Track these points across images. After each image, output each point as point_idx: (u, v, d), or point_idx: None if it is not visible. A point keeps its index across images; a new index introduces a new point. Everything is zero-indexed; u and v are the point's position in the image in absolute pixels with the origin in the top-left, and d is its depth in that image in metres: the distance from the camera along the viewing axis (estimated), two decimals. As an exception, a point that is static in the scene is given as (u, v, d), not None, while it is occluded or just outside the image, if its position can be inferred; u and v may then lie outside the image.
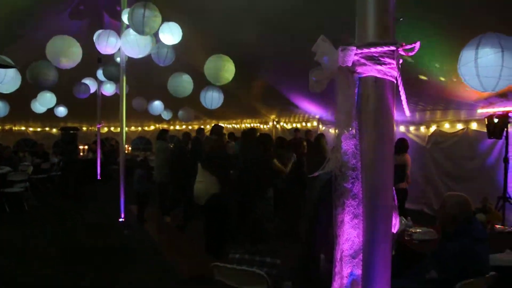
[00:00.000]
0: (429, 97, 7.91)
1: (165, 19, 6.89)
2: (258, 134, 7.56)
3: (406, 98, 1.69)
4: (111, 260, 6.14)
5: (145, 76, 11.38)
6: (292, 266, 3.67)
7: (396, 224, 1.69)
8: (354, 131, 1.59)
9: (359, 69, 1.58)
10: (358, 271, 1.63)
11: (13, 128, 16.74)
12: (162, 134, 9.25)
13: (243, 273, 3.43)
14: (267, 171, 6.29)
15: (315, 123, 12.64)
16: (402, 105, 1.71)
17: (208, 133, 9.89)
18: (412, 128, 9.24)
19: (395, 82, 1.60)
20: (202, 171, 6.31)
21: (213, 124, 9.08)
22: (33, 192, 10.62)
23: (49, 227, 8.07)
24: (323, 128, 12.14)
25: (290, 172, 6.93)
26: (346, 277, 1.65)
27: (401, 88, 1.62)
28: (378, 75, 1.55)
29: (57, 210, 9.68)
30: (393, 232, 1.66)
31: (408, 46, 1.57)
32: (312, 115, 12.74)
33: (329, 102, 10.71)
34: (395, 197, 1.68)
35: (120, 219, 8.03)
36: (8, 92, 7.92)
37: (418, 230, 4.71)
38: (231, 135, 10.46)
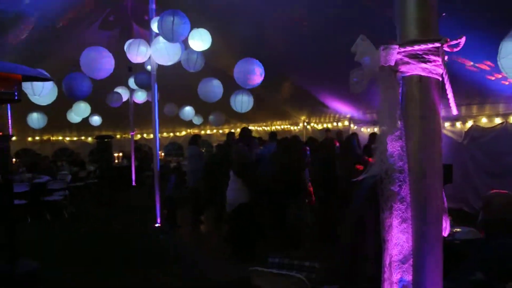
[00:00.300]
0: (465, 91, 7.67)
1: (194, 25, 6.94)
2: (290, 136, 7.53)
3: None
4: (147, 265, 6.22)
5: (175, 82, 11.52)
6: (335, 270, 3.61)
7: (446, 227, 1.62)
8: (399, 132, 1.53)
9: (403, 68, 1.52)
10: (409, 277, 1.57)
11: (51, 138, 17.26)
12: (194, 139, 9.33)
13: (282, 277, 3.40)
14: (301, 175, 6.25)
15: (346, 123, 12.47)
16: (448, 102, 1.64)
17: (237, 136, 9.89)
18: (447, 124, 8.98)
19: (441, 79, 1.53)
20: (234, 178, 6.36)
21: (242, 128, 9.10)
22: (71, 200, 10.91)
23: (88, 234, 8.27)
24: (355, 127, 11.96)
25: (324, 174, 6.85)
26: (396, 283, 1.59)
27: (447, 86, 1.55)
28: (423, 74, 1.49)
29: (95, 217, 9.91)
30: (444, 236, 1.60)
31: (453, 42, 1.50)
32: (343, 115, 12.58)
33: (360, 101, 10.55)
34: (445, 199, 1.61)
35: (156, 225, 8.13)
36: (45, 104, 8.17)
37: (458, 230, 4.56)
38: (259, 139, 10.42)
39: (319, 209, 7.02)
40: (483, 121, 8.21)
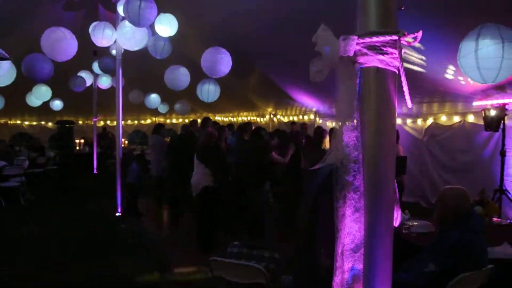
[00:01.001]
0: (426, 89, 7.88)
1: (161, 10, 6.82)
2: (254, 127, 7.54)
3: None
4: (108, 254, 6.12)
5: (141, 69, 11.31)
6: (291, 260, 3.65)
7: (397, 218, 1.67)
8: (355, 122, 1.56)
9: (361, 59, 1.54)
10: (360, 266, 1.60)
11: (9, 122, 16.64)
12: (158, 128, 9.21)
13: (241, 268, 3.41)
14: (264, 163, 6.27)
15: (312, 116, 12.61)
16: (404, 96, 1.68)
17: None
18: (409, 121, 9.23)
19: (397, 72, 1.56)
20: (197, 163, 6.30)
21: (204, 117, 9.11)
22: (29, 186, 10.57)
23: (46, 222, 8.04)
24: (320, 121, 12.10)
25: (289, 164, 6.91)
26: (348, 271, 1.63)
27: (403, 79, 1.58)
28: (380, 65, 1.52)
29: (54, 204, 9.64)
30: (394, 226, 1.64)
31: (411, 36, 1.53)
32: (309, 108, 12.70)
33: (326, 95, 10.67)
34: (397, 190, 1.65)
35: (117, 213, 8.00)
36: (3, 85, 7.85)
37: (415, 223, 4.70)
38: (230, 126, 10.41)
39: (283, 198, 7.09)
40: (443, 119, 8.47)
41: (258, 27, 8.08)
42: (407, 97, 1.63)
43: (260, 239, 3.61)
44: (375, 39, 1.50)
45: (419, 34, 1.53)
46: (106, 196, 9.03)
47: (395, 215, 1.65)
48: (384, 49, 1.50)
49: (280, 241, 5.42)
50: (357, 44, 1.53)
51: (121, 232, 7.32)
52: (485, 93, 7.04)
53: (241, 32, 8.52)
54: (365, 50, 1.52)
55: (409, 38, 1.53)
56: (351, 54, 1.54)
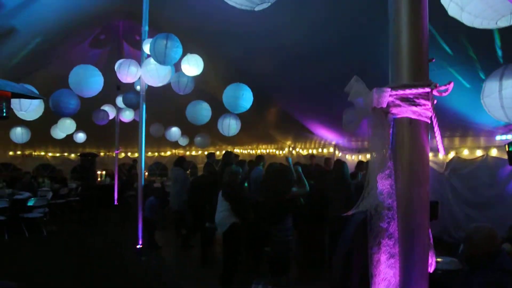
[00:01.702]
0: (447, 123, 7.88)
1: (185, 49, 7.03)
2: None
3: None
4: (127, 285, 6.12)
5: (162, 102, 11.55)
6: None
7: (432, 264, 1.68)
8: (389, 171, 1.60)
9: (394, 110, 1.60)
10: (395, 312, 1.61)
11: (33, 153, 17.01)
12: (180, 161, 9.31)
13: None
14: (284, 200, 6.27)
15: (331, 149, 12.61)
16: (436, 144, 1.72)
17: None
18: (430, 155, 9.15)
19: (429, 122, 1.61)
20: (221, 200, 6.29)
21: (224, 152, 9.14)
22: (51, 217, 10.73)
23: (67, 253, 8.12)
24: (340, 154, 12.09)
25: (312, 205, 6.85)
26: (383, 317, 1.63)
27: (436, 129, 1.63)
28: (413, 116, 1.57)
29: (75, 235, 9.74)
30: (429, 272, 1.65)
31: (442, 87, 1.58)
32: (328, 141, 12.72)
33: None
34: (431, 236, 1.67)
35: (138, 246, 8.04)
36: (31, 119, 8.11)
37: (439, 260, 4.62)
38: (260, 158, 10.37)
39: (307, 235, 7.01)
40: (465, 153, 8.40)
41: (275, 63, 8.27)
42: (440, 146, 1.67)
43: (282, 277, 3.61)
44: (408, 91, 1.56)
45: (450, 85, 1.58)
46: (126, 228, 9.10)
47: (429, 261, 1.66)
48: (417, 100, 1.55)
49: (302, 279, 5.38)
50: (390, 95, 1.59)
51: (141, 264, 7.34)
52: (508, 128, 7.01)
53: (259, 68, 8.71)
54: (398, 102, 1.57)
55: (440, 90, 1.58)
56: (384, 105, 1.60)
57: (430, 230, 1.66)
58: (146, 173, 16.64)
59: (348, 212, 1.74)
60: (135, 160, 16.51)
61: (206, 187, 7.83)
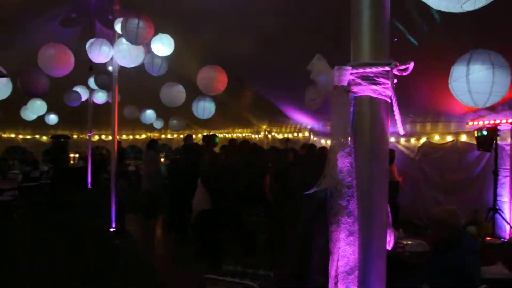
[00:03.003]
0: (420, 109, 8.01)
1: (157, 29, 6.90)
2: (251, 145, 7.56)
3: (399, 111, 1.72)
4: (101, 270, 6.08)
5: (136, 85, 11.36)
6: (286, 280, 3.67)
7: (391, 241, 1.71)
8: (349, 149, 1.61)
9: (354, 89, 1.60)
10: (353, 288, 1.64)
11: (2, 135, 16.56)
12: (152, 143, 9.22)
13: (236, 285, 3.43)
14: (259, 185, 6.31)
15: (306, 134, 12.69)
16: (396, 123, 1.74)
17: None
18: (402, 140, 9.33)
19: (390, 101, 1.62)
20: (200, 186, 6.33)
21: (204, 134, 9.10)
22: (22, 200, 10.51)
23: (39, 236, 7.99)
24: (315, 138, 12.19)
25: (279, 183, 6.93)
26: (341, 294, 1.66)
27: (395, 108, 1.64)
28: (373, 95, 1.58)
29: (47, 219, 9.58)
30: (388, 249, 1.68)
31: (403, 67, 1.59)
32: (303, 126, 12.79)
33: (320, 113, 10.78)
34: (390, 214, 1.70)
35: (111, 229, 7.96)
36: (-2, 100, 7.86)
37: (409, 242, 4.74)
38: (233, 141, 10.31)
39: (275, 217, 7.09)
40: (436, 138, 8.58)
41: (251, 45, 8.21)
42: (399, 125, 1.69)
43: (253, 257, 3.65)
44: (368, 70, 1.57)
45: (411, 65, 1.59)
46: (100, 211, 8.99)
47: (388, 238, 1.69)
48: (377, 79, 1.56)
49: (273, 260, 5.44)
50: (351, 74, 1.59)
51: (114, 248, 7.29)
52: (478, 114, 7.17)
53: (235, 51, 8.63)
54: (358, 80, 1.58)
55: (401, 69, 1.59)
56: (345, 83, 1.60)
57: (389, 208, 1.69)
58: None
59: (309, 190, 1.74)
60: (97, 147, 16.30)
61: (186, 172, 7.72)
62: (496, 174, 6.96)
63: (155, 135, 18.38)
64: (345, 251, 1.64)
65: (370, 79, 1.56)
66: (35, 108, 10.86)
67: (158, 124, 14.54)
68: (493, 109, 6.76)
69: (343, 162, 1.61)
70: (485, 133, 6.80)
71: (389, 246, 1.71)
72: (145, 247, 7.66)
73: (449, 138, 8.31)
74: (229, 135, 16.74)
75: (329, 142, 10.94)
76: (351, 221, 1.63)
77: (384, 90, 1.57)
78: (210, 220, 6.18)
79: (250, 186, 6.26)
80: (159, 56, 7.40)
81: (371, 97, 1.59)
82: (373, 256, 1.64)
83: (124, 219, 8.54)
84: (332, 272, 1.70)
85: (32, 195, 12.03)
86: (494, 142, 6.81)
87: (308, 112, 11.12)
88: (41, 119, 12.19)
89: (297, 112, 11.67)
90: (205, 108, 7.98)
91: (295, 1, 6.05)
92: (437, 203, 8.28)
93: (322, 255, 1.77)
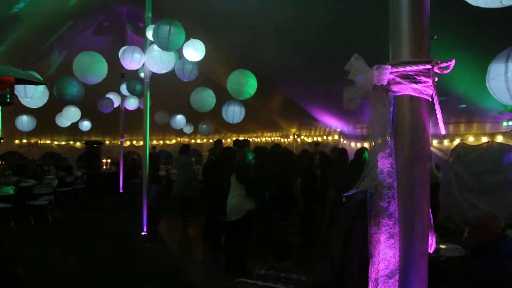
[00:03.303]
0: (453, 110, 7.81)
1: (188, 35, 6.99)
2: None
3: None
4: (134, 274, 6.17)
5: (167, 90, 11.54)
6: (321, 283, 3.63)
7: (432, 244, 1.66)
8: (389, 150, 1.58)
9: (394, 88, 1.57)
10: (394, 292, 1.61)
11: (39, 141, 17.08)
12: (185, 148, 9.31)
13: (268, 289, 3.41)
14: (290, 189, 6.25)
15: (336, 137, 12.58)
16: (437, 122, 1.70)
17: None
18: (435, 142, 9.12)
19: (431, 100, 1.58)
20: (236, 185, 6.15)
21: (234, 139, 9.11)
22: (57, 205, 10.80)
23: (72, 239, 8.18)
24: (344, 141, 12.07)
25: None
26: (382, 297, 1.63)
27: (437, 107, 1.60)
28: (414, 94, 1.54)
29: (80, 222, 9.82)
30: (429, 252, 1.64)
31: (444, 64, 1.55)
32: (333, 129, 12.69)
33: (350, 116, 10.67)
34: (431, 216, 1.66)
35: (143, 233, 8.08)
36: (36, 107, 8.12)
37: (443, 246, 4.62)
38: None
39: (308, 221, 7.05)
40: (470, 139, 8.35)
41: (280, 49, 8.21)
42: (441, 124, 1.65)
43: (287, 261, 3.61)
44: (408, 68, 1.54)
45: (452, 62, 1.55)
46: (131, 216, 9.15)
47: (429, 241, 1.65)
48: (418, 78, 1.53)
49: (304, 264, 5.39)
50: (391, 73, 1.56)
51: (146, 251, 7.39)
52: (514, 114, 6.95)
53: (264, 54, 8.65)
54: (398, 79, 1.55)
55: (442, 67, 1.55)
56: (385, 83, 1.57)
57: (430, 210, 1.65)
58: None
59: (349, 192, 1.72)
60: (153, 147, 16.55)
61: (219, 173, 7.66)
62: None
63: (185, 140, 18.59)
64: (385, 254, 1.61)
65: (411, 78, 1.53)
66: (69, 115, 11.16)
67: (188, 129, 14.70)
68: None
69: (383, 163, 1.58)
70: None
71: (430, 249, 1.67)
72: (177, 251, 7.72)
73: (484, 139, 8.06)
74: (258, 139, 16.77)
75: (359, 145, 10.84)
76: (392, 223, 1.60)
77: (425, 89, 1.54)
78: (255, 221, 6.04)
79: (282, 190, 6.20)
80: (190, 61, 7.49)
81: (411, 96, 1.55)
82: (414, 259, 1.60)
83: (158, 223, 8.65)
84: (372, 276, 1.67)
85: (66, 199, 12.36)
86: (533, 143, 6.58)
87: (337, 114, 11.04)
88: (75, 125, 12.52)
89: (326, 115, 11.59)
90: (235, 113, 8.01)
91: (329, 4, 6.00)
92: (472, 206, 8.04)
93: (362, 259, 1.74)
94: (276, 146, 8.61)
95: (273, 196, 6.28)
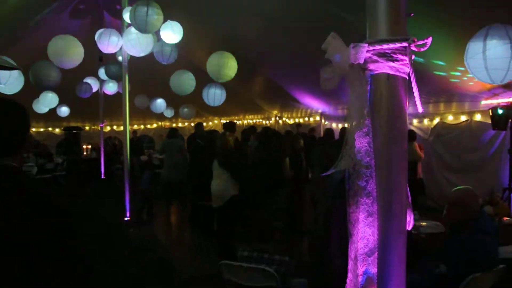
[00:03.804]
0: (432, 89, 7.88)
1: (166, 17, 6.86)
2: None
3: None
4: (115, 258, 6.13)
5: (146, 74, 11.35)
6: (304, 264, 3.67)
7: (410, 221, 1.68)
8: (367, 128, 1.58)
9: (371, 66, 1.56)
10: (373, 269, 1.62)
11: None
12: (174, 132, 9.26)
13: (252, 271, 3.43)
14: (280, 171, 6.23)
15: (317, 118, 12.62)
16: (414, 100, 1.70)
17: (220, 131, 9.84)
18: (415, 121, 9.20)
19: (407, 78, 1.58)
20: (219, 169, 6.10)
21: (223, 122, 9.06)
22: (37, 192, 10.63)
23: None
24: (326, 122, 12.11)
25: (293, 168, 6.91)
26: (361, 275, 1.64)
27: (414, 85, 1.60)
28: (391, 72, 1.54)
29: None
30: (407, 229, 1.66)
31: (420, 42, 1.54)
32: (314, 110, 12.72)
33: (331, 97, 10.69)
34: (409, 194, 1.67)
35: (126, 218, 8.04)
36: (11, 93, 7.90)
37: (424, 224, 4.71)
38: (253, 129, 10.21)
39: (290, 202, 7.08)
40: (450, 118, 8.46)
41: (260, 30, 8.14)
42: (418, 102, 1.65)
43: (270, 243, 3.63)
44: (385, 46, 1.52)
45: (429, 40, 1.54)
46: (114, 201, 9.09)
47: (407, 219, 1.67)
48: (394, 56, 1.52)
49: (289, 244, 5.45)
50: (368, 51, 1.55)
51: (130, 236, 7.36)
52: (492, 92, 7.04)
53: (243, 36, 8.56)
54: (375, 57, 1.54)
55: (418, 44, 1.55)
56: (362, 61, 1.56)
57: (408, 188, 1.66)
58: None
59: (327, 172, 1.72)
60: (109, 138, 16.39)
61: (204, 157, 7.61)
62: (511, 153, 6.84)
63: (166, 123, 18.44)
64: (364, 233, 1.62)
65: (387, 56, 1.52)
66: (47, 101, 10.92)
67: (169, 113, 14.55)
68: (509, 87, 6.62)
69: (361, 142, 1.58)
70: (500, 111, 6.67)
71: (408, 227, 1.69)
72: (160, 236, 7.71)
73: (463, 118, 8.17)
74: (240, 122, 16.72)
75: (340, 126, 10.89)
76: (370, 202, 1.60)
77: (401, 67, 1.53)
78: (241, 206, 6.03)
79: (271, 171, 6.16)
80: (168, 44, 7.37)
81: (388, 74, 1.55)
82: (392, 237, 1.62)
83: (150, 208, 8.64)
84: (351, 254, 1.69)
85: (47, 186, 12.19)
86: (510, 120, 6.68)
87: (318, 95, 11.05)
88: (53, 111, 12.27)
89: (307, 97, 11.59)
90: (215, 95, 7.94)
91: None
92: (451, 185, 8.16)
93: (341, 238, 1.75)
94: (267, 129, 8.59)
95: (262, 177, 6.24)
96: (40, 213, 1.48)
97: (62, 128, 15.52)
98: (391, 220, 1.60)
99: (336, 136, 8.83)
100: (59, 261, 1.48)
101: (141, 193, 8.52)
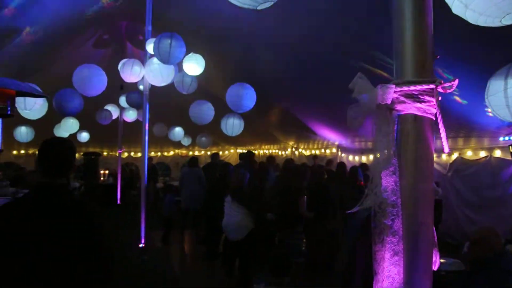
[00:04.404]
0: (451, 124, 7.85)
1: (188, 49, 7.03)
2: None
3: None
4: (128, 286, 6.09)
5: (165, 102, 11.54)
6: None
7: (436, 261, 1.67)
8: (393, 167, 1.59)
9: (398, 107, 1.59)
10: (399, 309, 1.61)
11: (36, 152, 16.99)
12: (194, 161, 9.35)
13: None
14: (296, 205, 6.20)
15: (334, 150, 12.60)
16: (440, 139, 1.72)
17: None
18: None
19: (434, 119, 1.60)
20: (233, 205, 6.10)
21: (240, 152, 9.12)
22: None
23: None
24: (343, 155, 12.08)
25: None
26: (386, 315, 1.63)
27: (441, 126, 1.63)
28: (418, 113, 1.56)
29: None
30: (434, 269, 1.64)
31: (447, 84, 1.58)
32: (331, 142, 12.71)
33: (348, 129, 10.70)
34: (435, 234, 1.67)
35: (140, 245, 8.02)
36: (35, 118, 8.13)
37: (443, 261, 4.62)
38: (272, 159, 10.22)
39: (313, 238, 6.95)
40: (468, 154, 8.37)
41: (278, 62, 8.28)
42: (445, 143, 1.66)
43: (286, 278, 3.59)
44: (412, 87, 1.56)
45: (455, 82, 1.57)
46: (129, 227, 9.08)
47: (434, 259, 1.66)
48: (422, 97, 1.55)
49: (305, 283, 5.36)
50: (395, 92, 1.58)
51: (143, 263, 7.33)
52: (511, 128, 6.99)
53: (262, 68, 8.71)
54: (402, 98, 1.57)
55: (445, 86, 1.58)
56: (389, 102, 1.59)
57: (434, 228, 1.66)
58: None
59: (352, 209, 1.73)
60: (150, 159, 16.45)
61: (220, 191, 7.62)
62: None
63: (183, 152, 18.57)
64: (390, 272, 1.62)
65: (415, 97, 1.55)
66: (68, 126, 11.15)
67: (186, 141, 14.69)
68: (529, 124, 6.58)
69: (388, 181, 1.59)
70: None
71: (435, 267, 1.68)
72: (176, 264, 7.68)
73: (482, 154, 8.09)
74: (256, 152, 16.76)
75: (357, 158, 10.84)
76: (396, 240, 1.60)
77: (428, 108, 1.56)
78: (257, 240, 6.00)
79: (287, 207, 6.13)
80: (189, 75, 7.53)
81: (415, 115, 1.57)
82: (418, 277, 1.61)
83: (168, 233, 8.64)
84: (376, 293, 1.67)
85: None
86: (531, 157, 6.61)
87: (335, 127, 11.07)
88: (73, 137, 12.48)
89: (324, 128, 11.62)
90: (234, 125, 8.02)
91: (327, 19, 6.07)
92: (471, 221, 8.03)
93: (366, 276, 1.74)
94: (289, 161, 8.59)
95: (278, 212, 6.22)
96: (85, 216, 2.22)
97: (81, 153, 15.75)
98: (417, 259, 1.60)
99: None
100: (96, 253, 2.17)
101: (164, 218, 8.58)
